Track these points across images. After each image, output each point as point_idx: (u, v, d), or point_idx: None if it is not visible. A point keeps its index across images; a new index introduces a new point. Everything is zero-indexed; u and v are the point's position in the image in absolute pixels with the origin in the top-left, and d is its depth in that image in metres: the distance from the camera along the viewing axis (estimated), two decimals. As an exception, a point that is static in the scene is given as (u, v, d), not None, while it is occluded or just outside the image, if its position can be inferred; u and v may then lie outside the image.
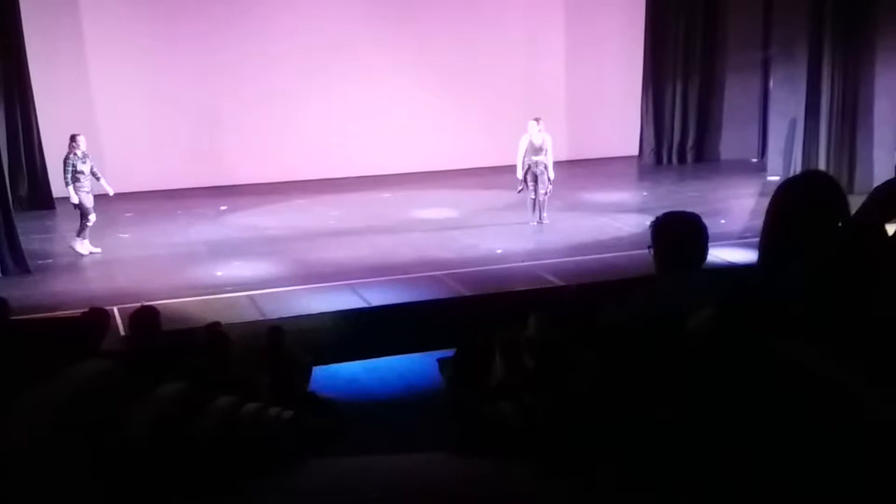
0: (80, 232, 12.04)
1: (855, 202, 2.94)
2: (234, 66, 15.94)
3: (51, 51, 14.97)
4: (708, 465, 2.14)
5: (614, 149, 18.39)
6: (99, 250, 12.09)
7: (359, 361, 9.73)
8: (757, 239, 2.95)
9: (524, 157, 12.86)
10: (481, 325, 8.17)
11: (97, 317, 6.46)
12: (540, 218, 12.99)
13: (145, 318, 6.55)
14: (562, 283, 10.28)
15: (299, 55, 16.19)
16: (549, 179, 12.91)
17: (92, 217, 12.03)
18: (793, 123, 15.36)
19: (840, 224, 2.75)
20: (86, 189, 11.99)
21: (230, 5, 15.95)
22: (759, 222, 2.84)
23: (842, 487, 1.79)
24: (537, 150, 12.84)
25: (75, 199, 11.89)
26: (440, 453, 5.97)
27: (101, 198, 15.30)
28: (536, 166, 12.83)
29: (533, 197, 13.00)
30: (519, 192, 13.10)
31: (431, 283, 10.43)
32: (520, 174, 12.95)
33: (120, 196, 15.37)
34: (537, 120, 12.99)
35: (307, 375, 8.53)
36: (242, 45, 15.93)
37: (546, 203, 13.03)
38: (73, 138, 12.04)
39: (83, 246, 12.03)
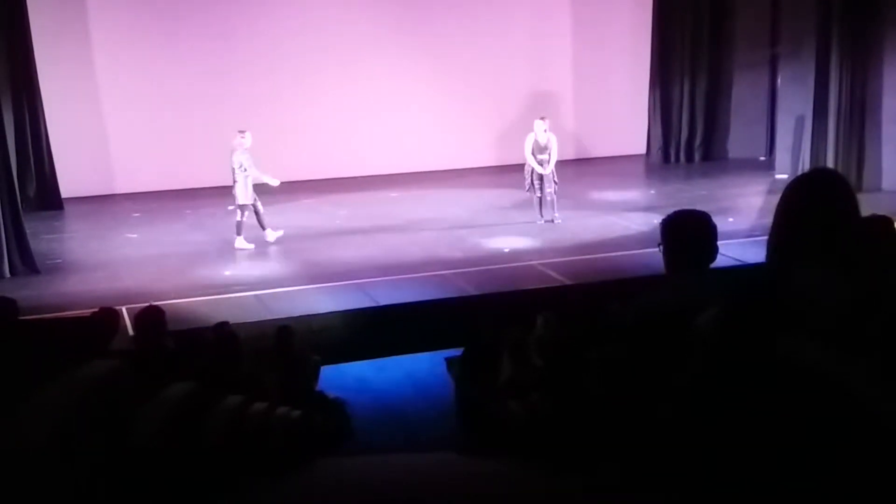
0: (239, 230, 12.09)
1: (863, 200, 2.93)
2: (242, 66, 15.97)
3: (58, 52, 15.01)
4: (713, 465, 2.13)
5: (622, 147, 18.38)
6: (281, 232, 12.31)
7: (367, 361, 9.75)
8: (765, 237, 2.94)
9: (531, 156, 12.87)
10: (489, 324, 8.18)
11: (107, 317, 6.48)
12: (552, 218, 12.98)
13: (150, 317, 6.56)
14: (569, 282, 10.27)
15: (305, 55, 16.21)
16: (553, 178, 12.91)
17: (259, 205, 12.10)
18: (801, 121, 15.32)
19: (851, 222, 2.74)
20: (249, 184, 12.01)
21: (237, 7, 15.98)
22: (767, 220, 2.84)
23: (847, 489, 1.79)
24: (542, 149, 12.83)
25: (243, 199, 11.91)
26: (448, 452, 5.97)
27: (108, 198, 15.43)
28: (541, 165, 12.83)
29: (539, 196, 12.99)
30: (527, 191, 13.11)
31: (439, 283, 10.43)
32: (527, 173, 12.97)
33: (127, 196, 15.49)
34: (543, 119, 12.99)
35: (315, 375, 8.54)
36: (249, 45, 15.96)
37: (556, 202, 13.03)
38: (240, 133, 12.05)
39: (270, 234, 12.23)
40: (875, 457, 1.74)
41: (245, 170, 11.87)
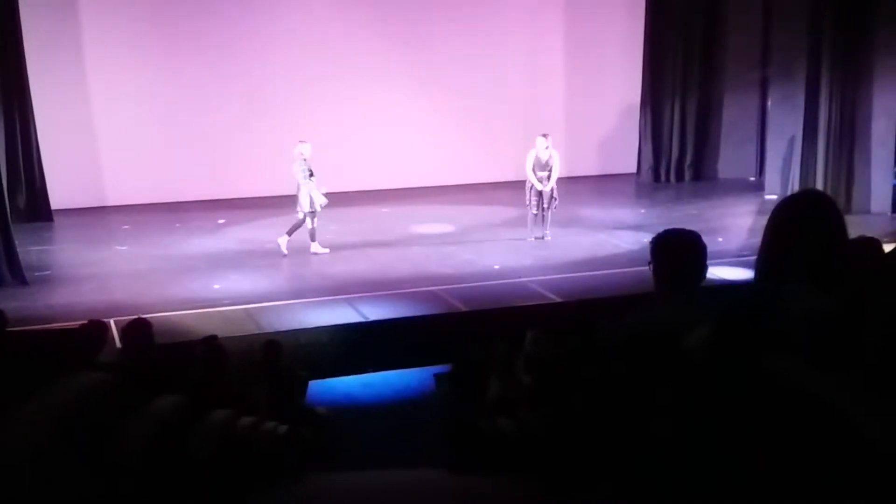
0: (291, 231, 12.36)
1: (851, 222, 2.95)
2: (234, 79, 15.99)
3: (50, 62, 15.01)
4: (706, 483, 2.14)
5: (612, 166, 18.45)
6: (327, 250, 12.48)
7: (355, 376, 9.71)
8: (754, 257, 2.96)
9: (531, 173, 12.86)
10: (478, 340, 8.16)
11: (95, 329, 6.45)
12: (543, 235, 12.98)
13: (138, 330, 6.53)
14: (559, 300, 10.28)
15: (299, 69, 16.25)
16: (552, 196, 12.91)
17: (316, 220, 12.36)
18: (791, 143, 15.40)
19: (839, 243, 2.75)
20: (309, 192, 12.26)
21: (229, 19, 16.01)
22: (756, 241, 2.85)
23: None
24: (543, 166, 12.82)
25: (307, 207, 12.16)
26: (436, 469, 5.95)
27: (98, 210, 15.39)
28: (541, 182, 12.82)
29: (535, 213, 12.99)
30: (527, 204, 13.06)
31: (429, 299, 10.42)
32: (527, 189, 12.96)
33: (117, 209, 15.46)
34: (545, 136, 12.94)
35: (303, 390, 8.51)
36: (242, 58, 15.99)
37: (549, 219, 13.03)
38: (300, 143, 12.29)
39: (315, 247, 12.43)
40: (861, 474, 1.75)
41: (306, 178, 12.17)
